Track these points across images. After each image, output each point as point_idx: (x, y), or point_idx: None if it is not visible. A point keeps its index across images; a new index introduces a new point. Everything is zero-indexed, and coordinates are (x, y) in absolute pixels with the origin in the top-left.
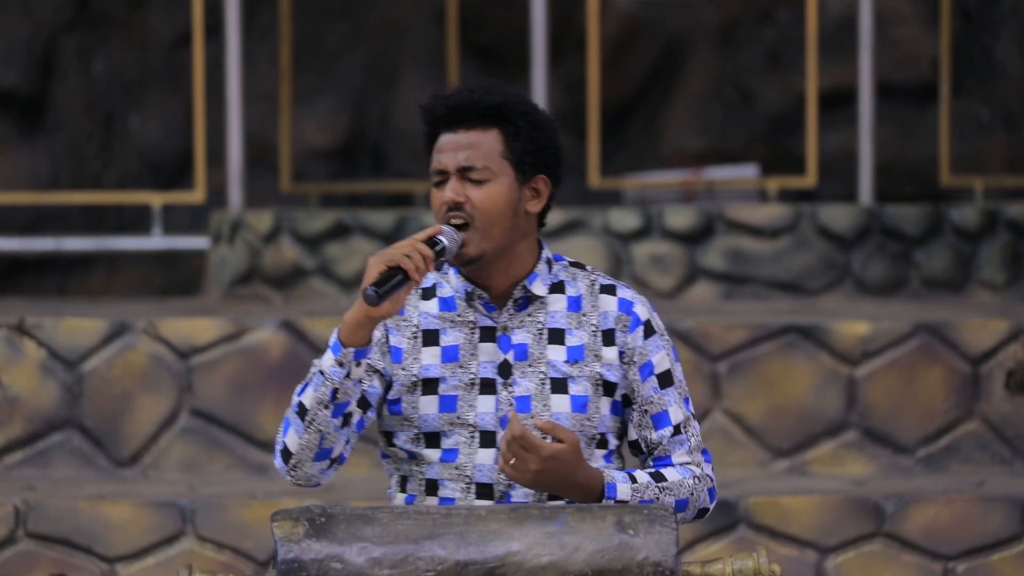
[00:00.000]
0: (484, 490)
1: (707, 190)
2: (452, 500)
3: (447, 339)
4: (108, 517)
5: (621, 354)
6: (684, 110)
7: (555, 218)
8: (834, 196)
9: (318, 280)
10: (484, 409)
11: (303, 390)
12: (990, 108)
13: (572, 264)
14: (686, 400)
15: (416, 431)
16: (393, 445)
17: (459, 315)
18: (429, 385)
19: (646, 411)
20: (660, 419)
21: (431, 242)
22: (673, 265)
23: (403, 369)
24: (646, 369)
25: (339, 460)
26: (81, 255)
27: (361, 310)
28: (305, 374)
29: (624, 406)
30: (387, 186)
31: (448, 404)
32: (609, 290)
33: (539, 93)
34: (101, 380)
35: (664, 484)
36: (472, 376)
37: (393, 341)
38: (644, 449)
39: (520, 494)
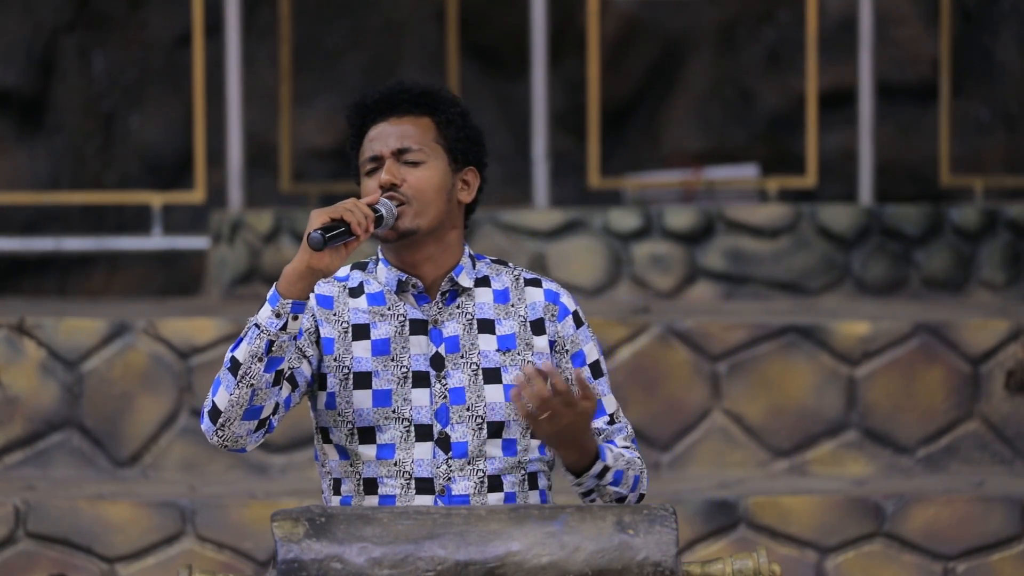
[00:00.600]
0: (424, 485)
1: (707, 190)
2: (392, 498)
3: (377, 332)
4: (108, 517)
5: (552, 343)
6: (684, 110)
7: (555, 218)
8: (834, 196)
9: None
10: (419, 402)
11: (236, 346)
12: (990, 108)
13: (495, 261)
14: (611, 390)
15: (351, 426)
16: (329, 441)
17: (389, 309)
18: (362, 379)
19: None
20: (596, 409)
21: (371, 208)
22: (673, 265)
23: (335, 360)
24: (578, 358)
25: (268, 426)
26: (81, 255)
27: (302, 260)
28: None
29: None
30: None
31: (382, 398)
32: (534, 283)
33: (539, 93)
34: (101, 380)
35: (626, 459)
36: (405, 369)
37: (324, 332)
38: None
39: (460, 487)
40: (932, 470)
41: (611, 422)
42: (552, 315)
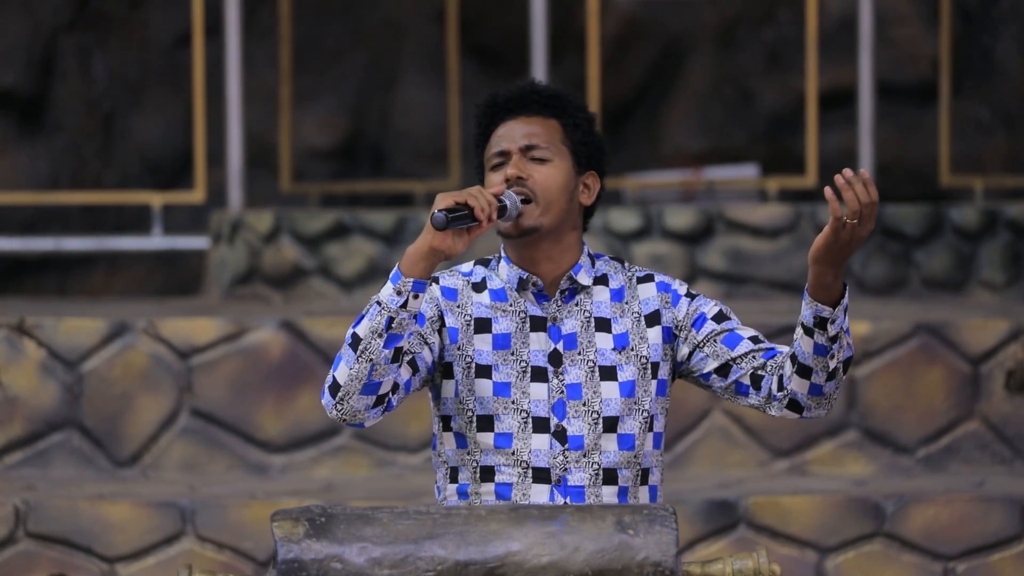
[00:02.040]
0: (541, 474)
1: (707, 190)
2: (509, 487)
3: (499, 327)
4: (108, 517)
5: (669, 330)
6: (684, 110)
7: None
8: None
9: (318, 280)
10: (537, 396)
11: (358, 323)
12: (990, 108)
13: (612, 259)
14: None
15: (471, 413)
16: (449, 429)
17: (510, 305)
18: (482, 371)
19: (716, 340)
20: (731, 337)
21: (495, 198)
22: (673, 265)
23: (458, 349)
24: (699, 320)
25: (387, 405)
26: (81, 255)
27: (425, 240)
28: (305, 374)
29: (682, 369)
30: (387, 186)
31: (502, 389)
32: (647, 279)
33: None
34: (101, 380)
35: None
36: (524, 364)
37: (448, 322)
38: (738, 363)
39: (576, 478)
40: (932, 470)
41: (757, 340)
42: (667, 303)
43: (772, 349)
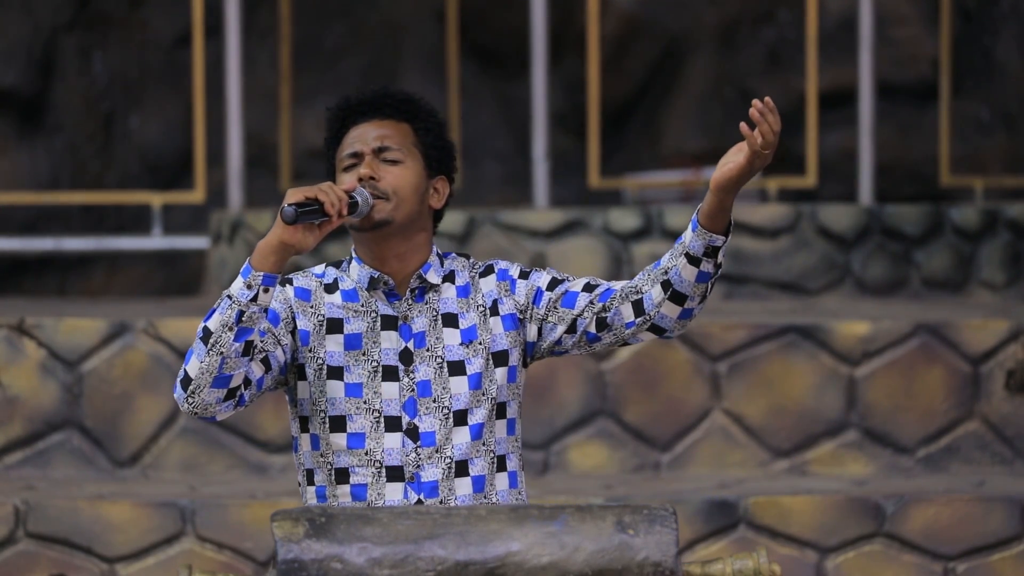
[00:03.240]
0: (394, 473)
1: (707, 190)
2: (364, 487)
3: (350, 327)
4: (108, 517)
5: (512, 317)
6: (684, 110)
7: (555, 218)
8: (834, 196)
9: None
10: (388, 395)
11: (208, 317)
12: (990, 108)
13: (459, 255)
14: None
15: (323, 414)
16: (306, 431)
17: (362, 305)
18: (334, 372)
19: (556, 306)
20: (568, 297)
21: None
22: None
23: (310, 351)
24: (538, 295)
25: (239, 399)
26: (81, 255)
27: (275, 234)
28: None
29: (536, 341)
30: None
31: (353, 390)
32: (487, 271)
33: (539, 93)
34: (101, 380)
35: None
36: (375, 363)
37: (300, 324)
38: (582, 316)
39: (429, 474)
40: (932, 470)
41: (589, 286)
42: (506, 291)
43: (608, 289)
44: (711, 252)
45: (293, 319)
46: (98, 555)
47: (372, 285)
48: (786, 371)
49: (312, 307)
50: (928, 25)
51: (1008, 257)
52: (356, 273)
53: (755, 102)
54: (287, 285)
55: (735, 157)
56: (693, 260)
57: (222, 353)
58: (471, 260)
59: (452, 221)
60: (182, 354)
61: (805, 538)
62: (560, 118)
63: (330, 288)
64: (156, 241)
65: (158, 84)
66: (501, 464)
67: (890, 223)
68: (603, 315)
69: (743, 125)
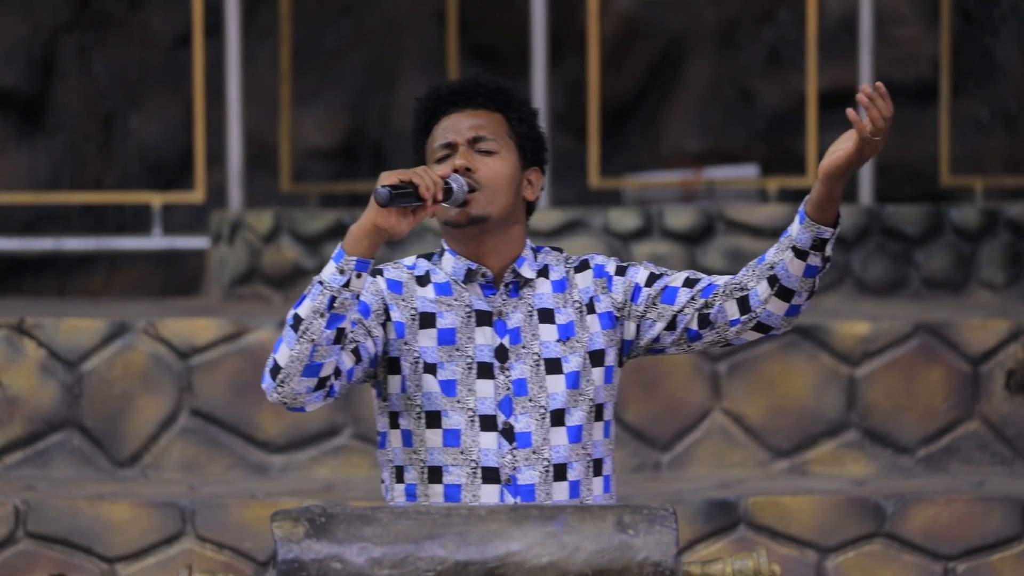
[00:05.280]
0: (490, 474)
1: (707, 190)
2: (458, 487)
3: (444, 322)
4: (108, 517)
5: (609, 316)
6: (684, 110)
7: (555, 218)
8: None
9: None
10: (483, 393)
11: (299, 304)
12: (990, 108)
13: (553, 249)
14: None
15: (419, 409)
16: (396, 426)
17: (455, 299)
18: (428, 368)
19: (656, 303)
20: (668, 293)
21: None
22: (673, 265)
23: (405, 344)
24: (636, 292)
25: (329, 390)
26: (81, 255)
27: (368, 218)
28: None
29: (629, 350)
30: None
31: (448, 388)
32: (583, 267)
33: (539, 93)
34: (101, 380)
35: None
36: (469, 360)
37: (394, 316)
38: (683, 312)
39: (526, 477)
40: (932, 470)
41: (691, 281)
42: (603, 288)
43: (710, 284)
44: (819, 244)
45: (386, 310)
46: (98, 555)
47: (469, 277)
48: (786, 371)
49: (404, 300)
50: (928, 25)
51: (1008, 257)
52: (450, 265)
53: (863, 87)
54: (378, 276)
55: (844, 144)
56: (800, 254)
57: (313, 340)
58: (564, 254)
59: None
60: (182, 354)
61: (805, 538)
62: (560, 118)
63: (422, 280)
64: (156, 241)
65: (158, 84)
66: (597, 468)
67: (890, 223)
68: (706, 311)
69: (850, 111)
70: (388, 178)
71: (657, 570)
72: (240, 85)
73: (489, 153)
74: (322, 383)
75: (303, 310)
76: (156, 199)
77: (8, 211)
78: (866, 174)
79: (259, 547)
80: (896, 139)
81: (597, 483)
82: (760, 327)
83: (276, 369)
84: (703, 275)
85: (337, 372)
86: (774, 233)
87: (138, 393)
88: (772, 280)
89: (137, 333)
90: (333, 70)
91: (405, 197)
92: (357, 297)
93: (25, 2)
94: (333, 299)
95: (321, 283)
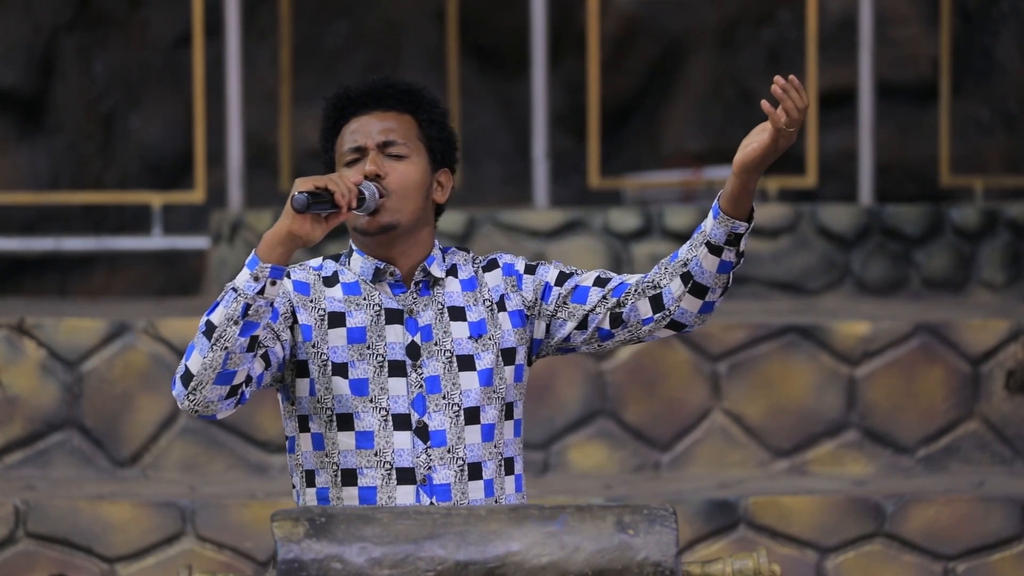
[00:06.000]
0: (405, 475)
1: (707, 190)
2: (374, 489)
3: (353, 321)
4: (108, 517)
5: (519, 314)
6: (684, 110)
7: (555, 218)
8: (834, 196)
9: None
10: (396, 392)
11: (212, 311)
12: (990, 108)
13: (459, 249)
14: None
15: (330, 412)
16: (306, 430)
17: (364, 298)
18: (339, 368)
19: (566, 302)
20: (579, 292)
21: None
22: None
23: (313, 347)
24: (546, 291)
25: (240, 396)
26: (81, 255)
27: (284, 224)
28: None
29: (543, 340)
30: None
31: (359, 387)
32: (491, 265)
33: (539, 93)
34: (101, 380)
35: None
36: (381, 358)
37: (301, 319)
38: (594, 312)
39: (440, 476)
40: (932, 470)
41: (600, 279)
42: (513, 286)
43: (622, 283)
44: (733, 240)
45: (293, 314)
46: (98, 555)
47: (377, 277)
48: (786, 371)
49: (312, 301)
50: (928, 25)
51: (1008, 257)
52: (358, 265)
53: (777, 79)
54: (285, 278)
55: (759, 137)
56: (715, 249)
57: (226, 348)
58: (472, 254)
59: (452, 221)
60: (182, 354)
61: (805, 538)
62: (560, 118)
63: (329, 281)
64: (156, 241)
65: (158, 84)
66: (509, 467)
67: (890, 223)
68: (618, 311)
69: (765, 103)
70: (304, 184)
71: (657, 570)
72: (240, 85)
73: (399, 158)
74: (234, 390)
75: (216, 317)
76: (156, 199)
77: (8, 211)
78: (866, 174)
79: (259, 547)
80: (896, 139)
81: (509, 482)
82: (674, 325)
83: (188, 376)
84: (614, 274)
85: (248, 379)
86: (774, 233)
87: (138, 393)
88: (686, 277)
89: (137, 333)
90: (333, 70)
91: (321, 204)
92: (271, 304)
93: (25, 2)
94: (248, 306)
95: (235, 290)
